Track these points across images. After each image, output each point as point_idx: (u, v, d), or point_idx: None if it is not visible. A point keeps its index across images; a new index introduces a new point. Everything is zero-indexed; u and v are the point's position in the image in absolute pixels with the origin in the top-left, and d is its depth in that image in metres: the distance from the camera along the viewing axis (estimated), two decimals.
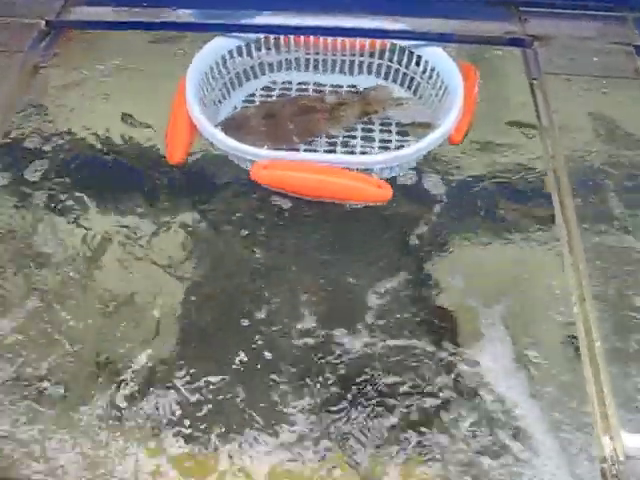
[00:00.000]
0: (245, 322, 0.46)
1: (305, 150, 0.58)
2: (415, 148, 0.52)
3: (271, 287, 0.48)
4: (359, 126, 0.59)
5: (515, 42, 0.62)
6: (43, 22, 0.62)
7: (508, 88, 0.61)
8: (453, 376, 0.44)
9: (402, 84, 0.62)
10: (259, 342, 0.45)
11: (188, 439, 0.41)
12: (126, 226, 0.51)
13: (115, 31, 0.63)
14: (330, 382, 0.43)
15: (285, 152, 0.54)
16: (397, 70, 0.62)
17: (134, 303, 0.47)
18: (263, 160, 0.52)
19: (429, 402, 0.42)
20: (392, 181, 0.54)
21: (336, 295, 0.48)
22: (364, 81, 0.63)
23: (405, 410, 0.42)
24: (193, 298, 0.47)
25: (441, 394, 0.43)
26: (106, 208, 0.52)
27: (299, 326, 0.46)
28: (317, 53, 0.62)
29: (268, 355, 0.45)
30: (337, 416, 0.42)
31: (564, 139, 0.56)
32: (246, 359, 0.44)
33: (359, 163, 0.52)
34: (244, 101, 0.62)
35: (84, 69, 0.62)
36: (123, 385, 0.43)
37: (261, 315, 0.46)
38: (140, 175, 0.55)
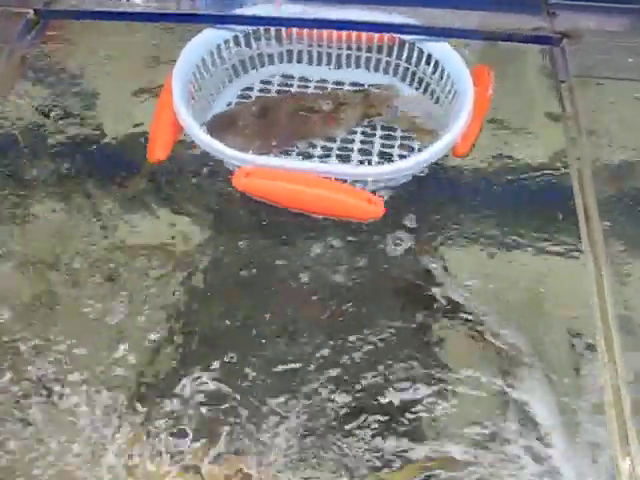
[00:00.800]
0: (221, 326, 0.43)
1: (298, 154, 0.53)
2: (415, 160, 0.47)
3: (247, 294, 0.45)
4: (359, 129, 0.54)
5: (541, 40, 0.55)
6: (31, 11, 0.60)
7: (531, 91, 0.54)
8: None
9: (411, 83, 0.57)
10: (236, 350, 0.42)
11: None
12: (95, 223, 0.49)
13: (106, 21, 0.59)
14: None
15: (270, 159, 0.49)
16: (407, 69, 0.56)
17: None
18: (246, 166, 0.48)
19: None
20: (388, 194, 0.48)
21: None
22: (371, 78, 0.58)
23: None
24: (167, 300, 0.44)
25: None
26: (74, 204, 0.50)
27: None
28: (320, 45, 0.57)
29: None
30: None
31: (593, 148, 0.50)
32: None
33: (352, 175, 0.47)
34: (239, 96, 0.58)
35: (73, 60, 0.59)
36: None
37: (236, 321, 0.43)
38: (117, 171, 0.51)
